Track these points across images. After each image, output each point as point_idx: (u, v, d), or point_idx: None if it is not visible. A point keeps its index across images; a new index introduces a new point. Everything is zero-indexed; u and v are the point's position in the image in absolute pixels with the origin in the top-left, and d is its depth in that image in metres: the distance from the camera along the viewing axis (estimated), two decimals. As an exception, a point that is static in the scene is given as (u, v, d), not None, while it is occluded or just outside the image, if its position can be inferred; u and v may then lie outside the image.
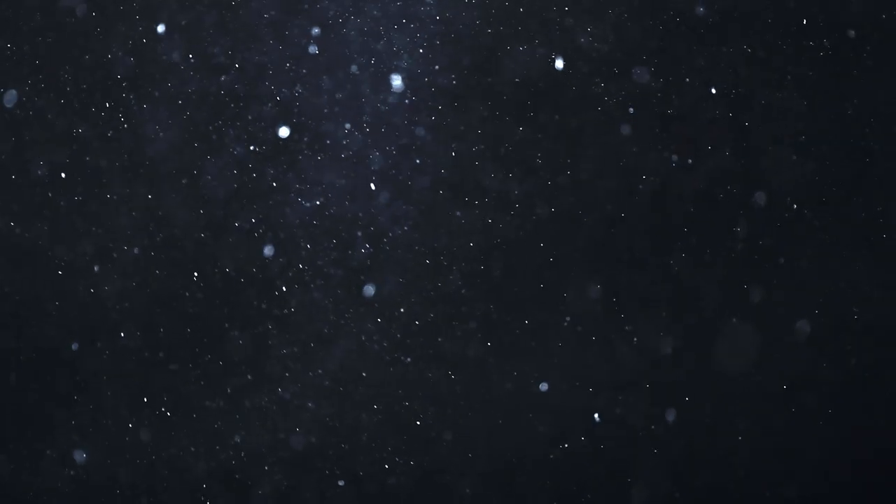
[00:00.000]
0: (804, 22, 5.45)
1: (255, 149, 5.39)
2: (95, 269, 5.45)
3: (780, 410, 5.49)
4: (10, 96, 5.44)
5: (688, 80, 5.41)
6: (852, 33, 5.46)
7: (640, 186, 5.41)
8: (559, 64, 5.38)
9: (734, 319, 5.46)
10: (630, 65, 5.40)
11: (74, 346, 5.48)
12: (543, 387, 5.40)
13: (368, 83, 5.37)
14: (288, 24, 5.39)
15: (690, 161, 5.41)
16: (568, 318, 5.40)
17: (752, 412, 5.48)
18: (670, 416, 5.42)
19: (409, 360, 5.38)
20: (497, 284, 5.41)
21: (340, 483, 5.44)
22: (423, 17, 5.38)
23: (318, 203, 5.39)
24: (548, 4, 5.41)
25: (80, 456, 5.51)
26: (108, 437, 5.50)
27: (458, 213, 5.38)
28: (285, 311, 5.42)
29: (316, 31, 5.37)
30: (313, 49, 5.38)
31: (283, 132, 5.38)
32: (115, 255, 5.46)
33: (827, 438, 5.47)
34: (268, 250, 5.40)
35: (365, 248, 5.36)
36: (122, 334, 5.44)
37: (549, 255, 5.42)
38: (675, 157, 5.40)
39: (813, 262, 5.48)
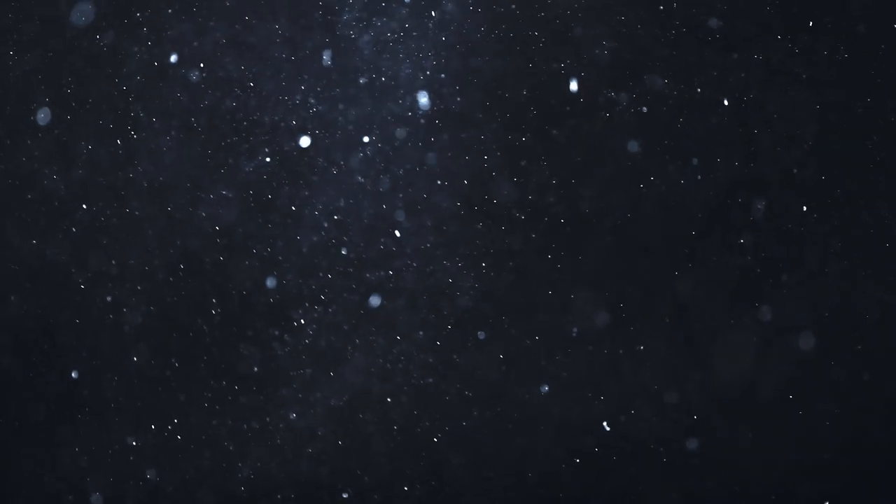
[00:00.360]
0: (810, 25, 5.44)
1: (267, 167, 5.33)
2: (107, 289, 5.39)
3: (787, 418, 5.55)
4: (25, 115, 5.39)
5: (699, 89, 5.39)
6: (861, 31, 5.46)
7: (647, 192, 5.40)
8: (567, 73, 5.35)
9: (742, 328, 5.49)
10: (640, 75, 5.38)
11: (80, 368, 5.43)
12: (558, 404, 5.41)
13: (380, 99, 5.31)
14: (300, 42, 5.31)
15: (699, 172, 5.40)
16: (590, 334, 5.41)
17: (758, 419, 5.53)
18: (682, 427, 5.45)
19: (430, 380, 5.37)
20: (512, 299, 5.40)
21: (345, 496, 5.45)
22: (433, 30, 5.32)
23: (333, 220, 5.35)
24: (557, 16, 5.36)
25: (84, 474, 5.48)
26: (115, 455, 5.47)
27: (473, 228, 5.35)
28: (300, 330, 5.38)
29: (328, 50, 5.30)
30: (326, 65, 5.31)
31: (299, 145, 5.31)
32: (124, 274, 5.41)
33: (834, 446, 5.53)
34: (280, 270, 5.35)
35: (381, 271, 5.33)
36: (135, 358, 5.39)
37: (571, 272, 5.41)
38: (684, 166, 5.40)
39: (821, 267, 5.51)
